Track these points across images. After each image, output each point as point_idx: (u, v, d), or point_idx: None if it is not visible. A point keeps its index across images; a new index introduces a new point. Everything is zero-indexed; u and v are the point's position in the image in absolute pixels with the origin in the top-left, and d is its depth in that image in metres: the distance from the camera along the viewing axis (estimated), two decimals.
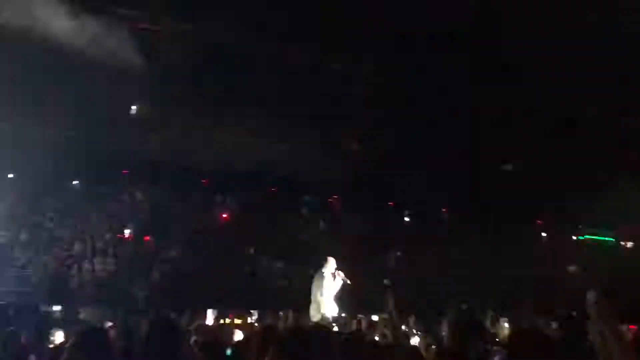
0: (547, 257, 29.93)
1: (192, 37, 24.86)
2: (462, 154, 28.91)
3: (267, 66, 26.16)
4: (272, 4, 21.98)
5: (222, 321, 19.90)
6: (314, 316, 9.95)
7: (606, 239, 34.76)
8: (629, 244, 34.99)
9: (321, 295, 10.14)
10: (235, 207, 27.36)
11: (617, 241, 35.04)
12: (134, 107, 24.66)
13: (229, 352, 4.72)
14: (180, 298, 18.79)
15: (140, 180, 26.07)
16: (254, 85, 28.22)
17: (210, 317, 20.30)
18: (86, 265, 20.04)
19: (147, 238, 23.13)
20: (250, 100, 30.22)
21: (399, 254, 27.04)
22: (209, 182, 27.50)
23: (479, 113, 28.31)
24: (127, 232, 23.06)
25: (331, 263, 10.61)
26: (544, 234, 33.53)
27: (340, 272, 10.55)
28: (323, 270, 10.54)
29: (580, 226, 34.07)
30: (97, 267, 20.13)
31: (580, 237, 34.36)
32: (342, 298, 10.86)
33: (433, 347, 7.81)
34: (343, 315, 10.64)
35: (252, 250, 24.32)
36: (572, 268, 30.36)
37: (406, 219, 31.51)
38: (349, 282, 10.50)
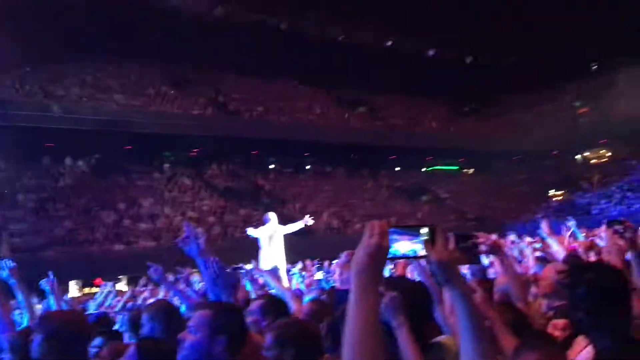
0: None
1: None
2: None
3: None
4: None
5: (87, 290, 19.05)
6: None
7: (451, 168, 38.33)
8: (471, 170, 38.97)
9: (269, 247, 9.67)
10: (88, 168, 25.49)
11: (460, 169, 38.88)
12: None
13: None
14: (36, 273, 17.39)
15: None
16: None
17: (73, 289, 19.26)
18: None
19: None
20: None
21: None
22: (54, 144, 25.05)
23: None
24: None
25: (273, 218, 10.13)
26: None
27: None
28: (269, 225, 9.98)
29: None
30: None
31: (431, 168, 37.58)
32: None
33: None
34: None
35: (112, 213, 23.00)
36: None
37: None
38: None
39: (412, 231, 1.55)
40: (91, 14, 25.49)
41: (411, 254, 1.56)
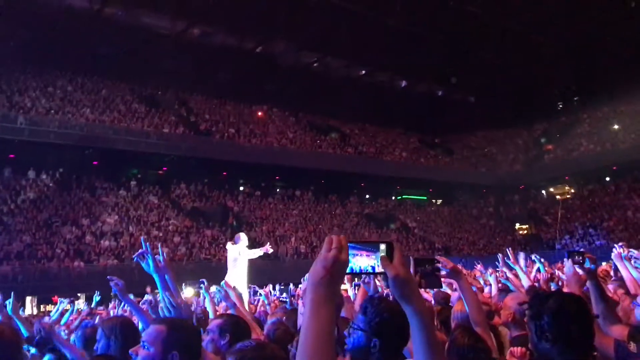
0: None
1: None
2: None
3: None
4: None
5: (44, 307, 18.39)
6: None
7: (419, 198, 38.68)
8: (439, 201, 39.39)
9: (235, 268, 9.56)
10: (52, 182, 24.84)
11: (428, 200, 39.27)
12: None
13: None
14: None
15: None
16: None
17: (29, 306, 18.60)
18: None
19: None
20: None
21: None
22: (16, 156, 24.35)
23: None
24: None
25: (243, 239, 10.02)
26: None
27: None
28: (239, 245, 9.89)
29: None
30: None
31: (399, 197, 37.85)
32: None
33: None
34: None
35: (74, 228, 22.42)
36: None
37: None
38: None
39: (370, 247, 1.53)
40: (64, 28, 25.24)
41: (369, 269, 1.53)
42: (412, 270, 2.76)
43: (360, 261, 1.52)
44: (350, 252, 1.44)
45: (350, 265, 1.45)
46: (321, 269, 1.35)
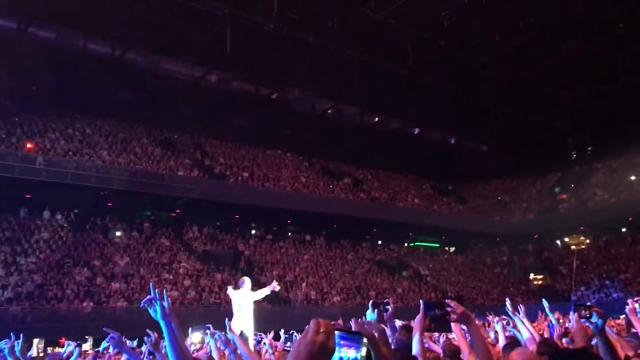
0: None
1: None
2: None
3: None
4: None
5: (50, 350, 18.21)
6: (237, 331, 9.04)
7: (433, 245, 38.29)
8: (452, 249, 38.95)
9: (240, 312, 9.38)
10: (66, 222, 25.06)
11: (442, 247, 38.85)
12: None
13: None
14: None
15: None
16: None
17: (35, 349, 18.41)
18: None
19: None
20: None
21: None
22: (33, 196, 24.66)
23: None
24: None
25: (247, 283, 9.89)
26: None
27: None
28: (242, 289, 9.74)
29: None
30: None
31: (412, 244, 37.50)
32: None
33: None
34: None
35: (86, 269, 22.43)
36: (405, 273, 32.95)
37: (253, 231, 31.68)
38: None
39: (352, 338, 1.38)
40: (85, 72, 25.99)
41: None
42: (421, 314, 2.76)
43: (342, 352, 1.37)
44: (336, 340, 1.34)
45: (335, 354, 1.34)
46: (306, 354, 1.26)
